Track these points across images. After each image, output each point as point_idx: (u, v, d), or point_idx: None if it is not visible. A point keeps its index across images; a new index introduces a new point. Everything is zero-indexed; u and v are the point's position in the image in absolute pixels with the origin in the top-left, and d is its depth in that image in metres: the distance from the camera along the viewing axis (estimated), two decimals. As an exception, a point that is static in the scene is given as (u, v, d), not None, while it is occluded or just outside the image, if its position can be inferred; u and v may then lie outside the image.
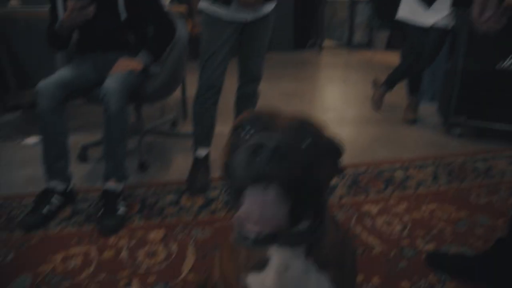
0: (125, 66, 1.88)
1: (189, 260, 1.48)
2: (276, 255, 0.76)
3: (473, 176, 2.15)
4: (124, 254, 1.52)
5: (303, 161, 0.61)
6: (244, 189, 0.62)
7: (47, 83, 1.72)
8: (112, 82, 1.74)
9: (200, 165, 2.04)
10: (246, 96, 2.16)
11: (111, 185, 1.75)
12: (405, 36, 3.10)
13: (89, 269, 1.44)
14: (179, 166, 2.27)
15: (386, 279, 1.39)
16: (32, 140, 2.56)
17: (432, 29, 2.68)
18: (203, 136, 2.06)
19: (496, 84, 2.47)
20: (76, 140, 2.43)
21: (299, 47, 7.03)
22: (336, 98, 4.03)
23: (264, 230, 0.60)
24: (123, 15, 1.95)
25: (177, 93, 3.05)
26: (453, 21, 2.66)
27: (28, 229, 1.65)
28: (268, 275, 0.77)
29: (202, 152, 2.07)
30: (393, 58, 4.87)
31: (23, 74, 3.37)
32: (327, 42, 7.54)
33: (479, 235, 1.63)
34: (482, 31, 1.08)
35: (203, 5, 1.87)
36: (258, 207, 0.60)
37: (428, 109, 3.32)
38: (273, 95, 3.83)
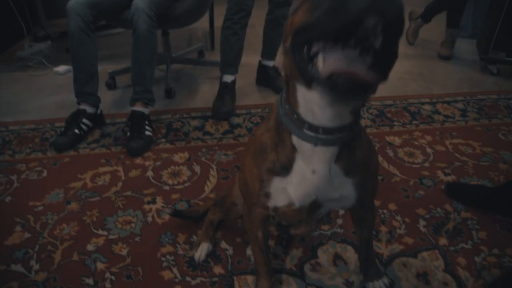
0: None
1: (211, 181, 1.54)
2: (304, 158, 0.72)
3: (505, 114, 2.07)
4: (149, 173, 1.59)
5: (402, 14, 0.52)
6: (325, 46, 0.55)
7: (77, 2, 1.73)
8: (141, 1, 1.73)
9: (227, 90, 2.06)
10: (276, 21, 2.12)
11: (139, 107, 1.80)
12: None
13: (116, 186, 1.52)
14: (205, 94, 2.29)
15: (403, 206, 1.41)
16: (62, 68, 2.62)
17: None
18: (231, 61, 2.05)
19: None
20: (104, 69, 2.47)
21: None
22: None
23: (354, 80, 0.53)
24: None
25: (205, 23, 3.01)
26: None
27: (59, 150, 1.74)
28: (293, 179, 0.75)
29: (229, 77, 2.08)
30: (434, -9, 4.53)
31: (52, 4, 3.37)
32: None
33: (502, 170, 1.60)
34: None
35: None
36: (345, 61, 0.54)
37: (466, 45, 3.14)
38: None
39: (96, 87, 1.88)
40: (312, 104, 0.65)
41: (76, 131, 1.77)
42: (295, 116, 0.69)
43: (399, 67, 2.73)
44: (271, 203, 0.81)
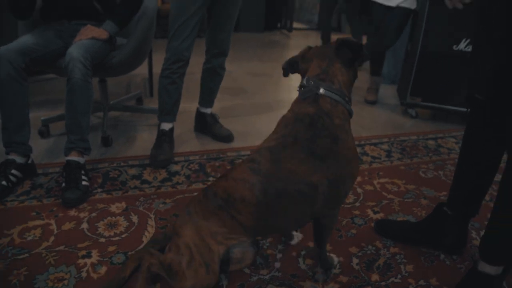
0: (89, 33, 1.87)
1: (149, 231, 1.52)
2: None
3: (423, 153, 2.28)
4: (84, 226, 1.54)
5: None
6: None
7: (8, 49, 1.70)
8: (76, 49, 1.73)
9: (165, 138, 2.07)
10: (213, 70, 2.22)
11: (74, 157, 1.76)
12: (371, 19, 3.20)
13: (48, 241, 1.45)
14: (144, 142, 2.28)
15: (337, 245, 1.48)
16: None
17: (396, 9, 2.79)
18: (169, 109, 2.09)
19: (448, 66, 2.60)
20: (37, 116, 2.40)
21: (269, 29, 7.04)
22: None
23: None
24: None
25: (144, 70, 3.04)
26: (415, 3, 2.77)
27: (-15, 203, 1.64)
28: None
29: (167, 125, 2.10)
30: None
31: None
32: (297, 25, 7.59)
33: (424, 206, 1.75)
34: (450, 7, 1.11)
35: None
36: None
37: (389, 91, 3.45)
38: (240, 74, 3.86)
39: (27, 136, 1.81)
40: None
41: (4, 182, 1.68)
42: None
43: (331, 112, 2.92)
44: None
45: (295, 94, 1.20)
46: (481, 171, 1.28)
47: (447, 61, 2.58)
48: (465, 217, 1.40)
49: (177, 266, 1.11)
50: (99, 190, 1.78)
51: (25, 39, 1.82)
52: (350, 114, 1.15)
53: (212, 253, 1.13)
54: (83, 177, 1.74)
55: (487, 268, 1.14)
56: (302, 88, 1.15)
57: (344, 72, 1.15)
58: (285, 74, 1.27)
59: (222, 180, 1.16)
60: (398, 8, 2.79)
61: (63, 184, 1.70)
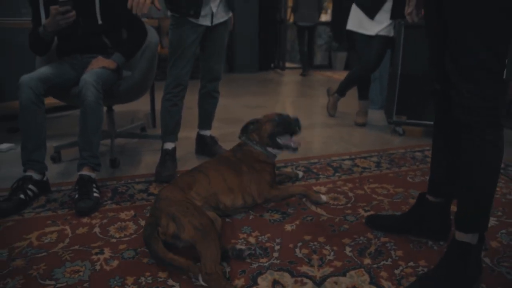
0: (100, 63, 2.10)
1: (157, 231, 1.64)
2: None
3: (411, 163, 2.43)
4: (96, 230, 1.66)
5: None
6: None
7: (29, 77, 1.91)
8: (89, 76, 1.96)
9: (168, 157, 2.24)
10: (209, 94, 2.45)
11: (86, 172, 1.91)
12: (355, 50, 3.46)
13: (63, 242, 1.57)
14: (148, 164, 2.44)
15: (330, 238, 1.60)
16: (5, 146, 2.67)
17: (376, 37, 3.05)
18: (171, 130, 2.28)
19: (428, 85, 2.80)
20: (49, 146, 2.54)
21: (263, 69, 7.41)
22: (296, 108, 4.31)
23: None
24: (100, 20, 2.17)
25: (146, 107, 3.25)
26: (393, 31, 3.04)
27: (3, 214, 1.76)
28: None
29: (169, 145, 2.28)
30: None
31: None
32: (289, 65, 7.97)
33: (411, 204, 1.87)
34: (410, 21, 1.56)
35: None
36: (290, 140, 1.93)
37: (377, 115, 3.65)
38: (237, 107, 4.08)
39: (43, 155, 1.97)
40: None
41: (22, 196, 1.82)
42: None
43: (323, 134, 3.11)
44: None
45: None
46: (451, 152, 1.44)
47: (426, 80, 2.79)
48: (446, 201, 1.53)
49: (208, 220, 1.45)
50: (109, 202, 1.91)
51: (44, 69, 2.04)
52: (264, 153, 1.90)
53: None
54: (95, 189, 1.88)
55: (462, 237, 1.26)
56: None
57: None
58: None
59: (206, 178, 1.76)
60: (377, 36, 3.05)
61: (76, 196, 1.84)
